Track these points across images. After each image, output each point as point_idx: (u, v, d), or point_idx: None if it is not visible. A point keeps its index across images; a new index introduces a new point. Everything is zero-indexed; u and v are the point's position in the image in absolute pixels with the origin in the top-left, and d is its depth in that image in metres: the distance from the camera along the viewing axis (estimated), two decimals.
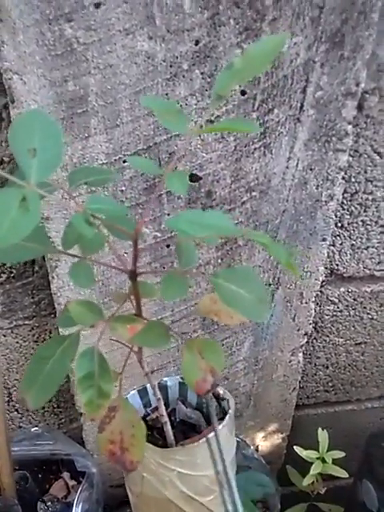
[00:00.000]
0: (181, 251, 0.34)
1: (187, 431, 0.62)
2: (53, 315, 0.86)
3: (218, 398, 0.62)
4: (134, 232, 0.32)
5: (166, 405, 0.67)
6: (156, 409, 0.60)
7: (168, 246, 0.75)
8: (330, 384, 1.08)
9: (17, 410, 0.96)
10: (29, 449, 0.92)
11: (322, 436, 0.99)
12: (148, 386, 0.63)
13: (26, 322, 0.85)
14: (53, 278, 0.74)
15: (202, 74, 0.62)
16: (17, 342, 0.87)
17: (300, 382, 1.03)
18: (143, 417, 0.64)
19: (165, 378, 0.65)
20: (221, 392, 0.62)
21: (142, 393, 0.65)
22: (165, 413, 0.53)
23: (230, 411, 0.57)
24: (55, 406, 0.97)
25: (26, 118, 0.28)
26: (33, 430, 0.94)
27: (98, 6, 0.54)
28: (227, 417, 0.56)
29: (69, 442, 0.94)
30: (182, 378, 0.64)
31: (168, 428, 0.55)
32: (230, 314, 0.40)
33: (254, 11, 0.59)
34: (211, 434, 0.50)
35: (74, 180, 0.34)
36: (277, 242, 0.32)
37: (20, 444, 0.92)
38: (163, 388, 0.65)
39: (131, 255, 0.33)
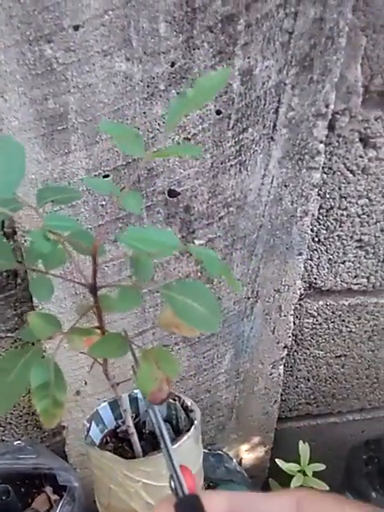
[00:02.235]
0: (138, 265, 0.35)
1: (157, 443, 0.63)
2: None
3: (186, 409, 0.63)
4: (93, 247, 0.33)
5: (137, 416, 0.67)
6: None
7: None
8: (312, 397, 1.09)
9: None
10: (11, 462, 0.91)
11: (303, 449, 1.00)
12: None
13: (9, 335, 0.86)
14: None
15: (178, 94, 0.65)
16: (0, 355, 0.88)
17: (282, 394, 1.04)
18: (114, 429, 0.64)
19: (136, 390, 0.66)
20: (188, 404, 0.63)
21: (113, 405, 0.65)
22: (132, 424, 0.54)
23: (195, 422, 0.58)
24: (38, 419, 0.98)
25: None
26: (15, 443, 0.94)
27: (76, 28, 0.57)
28: (192, 427, 0.57)
29: (51, 455, 0.93)
30: None
31: (135, 439, 0.55)
32: (191, 326, 0.40)
33: (227, 36, 0.63)
34: (176, 445, 0.51)
35: (41, 198, 0.36)
36: (215, 258, 0.34)
37: (2, 457, 0.91)
38: (134, 400, 0.66)
39: (91, 270, 0.34)
